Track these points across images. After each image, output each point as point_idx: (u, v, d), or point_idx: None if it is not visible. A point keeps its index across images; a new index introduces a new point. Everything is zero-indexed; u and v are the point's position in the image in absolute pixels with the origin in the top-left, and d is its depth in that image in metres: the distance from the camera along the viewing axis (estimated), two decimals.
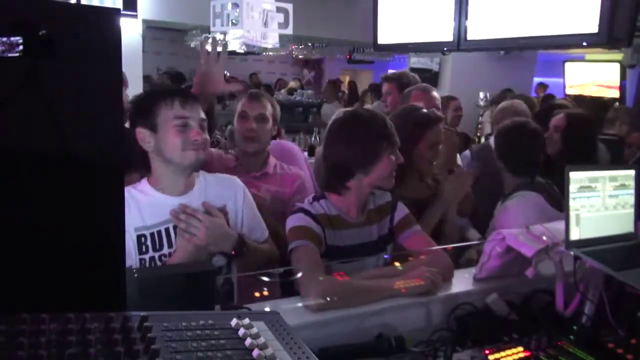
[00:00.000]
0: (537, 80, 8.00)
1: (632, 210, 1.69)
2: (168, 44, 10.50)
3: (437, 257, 1.75)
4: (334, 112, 8.78)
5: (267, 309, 1.36)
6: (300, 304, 1.49)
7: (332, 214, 1.75)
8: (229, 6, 3.70)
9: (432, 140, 2.16)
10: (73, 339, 0.73)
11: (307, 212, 1.72)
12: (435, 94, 2.94)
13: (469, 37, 2.86)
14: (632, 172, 1.70)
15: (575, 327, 1.49)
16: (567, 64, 7.74)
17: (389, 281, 1.59)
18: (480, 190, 2.44)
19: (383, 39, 3.45)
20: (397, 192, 1.93)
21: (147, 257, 1.63)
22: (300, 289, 1.55)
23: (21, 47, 0.77)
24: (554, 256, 1.60)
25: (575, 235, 1.55)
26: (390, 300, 1.56)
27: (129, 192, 1.64)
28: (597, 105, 5.47)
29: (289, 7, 3.71)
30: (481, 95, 5.41)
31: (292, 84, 10.85)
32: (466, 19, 2.84)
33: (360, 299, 1.53)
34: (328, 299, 1.47)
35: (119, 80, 0.89)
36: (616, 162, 3.12)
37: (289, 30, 3.75)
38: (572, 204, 1.54)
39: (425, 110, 2.21)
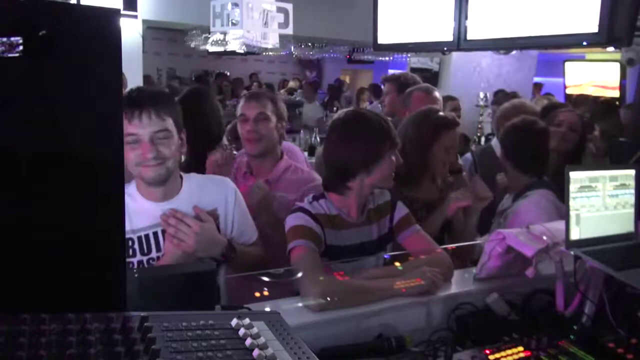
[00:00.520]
0: (536, 80, 8.01)
1: (632, 210, 1.69)
2: (168, 44, 10.52)
3: (437, 257, 1.76)
4: (313, 112, 8.76)
5: (267, 309, 1.37)
6: (300, 304, 1.49)
7: (332, 214, 1.76)
8: (229, 6, 3.71)
9: (448, 143, 2.19)
10: (73, 339, 0.73)
11: (306, 212, 1.72)
12: (437, 94, 2.95)
13: (469, 37, 2.86)
14: (632, 172, 1.70)
15: (575, 327, 1.49)
16: (567, 64, 7.74)
17: (389, 281, 1.60)
18: None
19: (383, 39, 3.45)
20: (409, 191, 1.93)
21: (134, 260, 1.62)
22: (300, 288, 1.55)
23: (21, 47, 0.77)
24: (554, 256, 1.60)
25: (575, 235, 1.55)
26: (390, 300, 1.56)
27: None
28: (598, 105, 5.46)
29: (289, 7, 3.71)
30: (481, 95, 5.42)
31: (292, 83, 10.86)
32: (466, 18, 2.84)
33: (360, 299, 1.53)
34: (328, 299, 1.47)
35: (119, 81, 0.89)
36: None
37: (289, 30, 3.75)
38: (572, 203, 1.55)
39: (442, 114, 2.23)
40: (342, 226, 1.76)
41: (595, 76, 7.40)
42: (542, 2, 2.52)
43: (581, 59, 8.23)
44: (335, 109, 9.17)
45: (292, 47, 7.77)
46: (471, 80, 5.95)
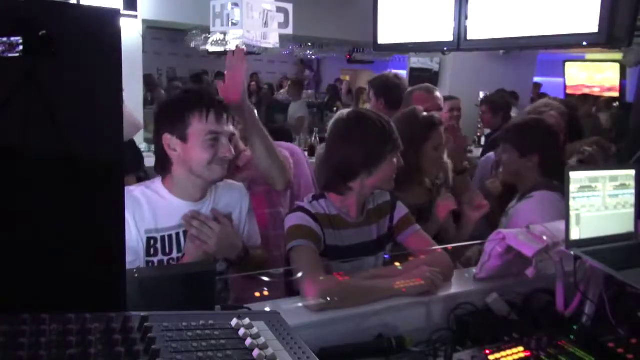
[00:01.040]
0: (536, 80, 8.01)
1: (632, 210, 1.69)
2: (168, 44, 10.52)
3: (437, 257, 1.75)
4: (298, 110, 8.68)
5: (267, 309, 1.37)
6: (300, 304, 1.49)
7: (332, 214, 1.75)
8: (229, 6, 3.71)
9: (437, 141, 2.18)
10: (73, 340, 0.73)
11: (306, 212, 1.72)
12: (438, 94, 2.94)
13: (469, 37, 2.86)
14: (632, 172, 1.70)
15: (575, 327, 1.49)
16: (567, 64, 7.75)
17: (389, 281, 1.59)
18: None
19: (383, 39, 3.45)
20: (400, 195, 1.93)
21: (155, 260, 1.63)
22: (300, 288, 1.55)
23: (21, 47, 0.77)
24: (554, 256, 1.60)
25: (575, 235, 1.55)
26: (390, 300, 1.56)
27: (142, 191, 1.64)
28: (600, 100, 5.50)
29: (289, 7, 3.71)
30: (481, 95, 5.42)
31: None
32: (466, 19, 2.84)
33: (360, 299, 1.53)
34: (328, 299, 1.47)
35: (119, 81, 0.89)
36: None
37: (289, 30, 3.75)
38: (572, 203, 1.55)
39: (426, 113, 2.22)
40: (342, 226, 1.76)
41: (595, 76, 7.41)
42: (542, 2, 2.53)
43: (581, 59, 8.23)
44: (335, 109, 9.17)
45: (292, 47, 7.78)
46: (471, 80, 5.95)
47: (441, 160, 2.26)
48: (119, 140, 0.89)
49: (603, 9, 2.27)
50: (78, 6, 0.91)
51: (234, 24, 3.74)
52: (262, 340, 0.83)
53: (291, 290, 1.68)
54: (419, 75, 6.32)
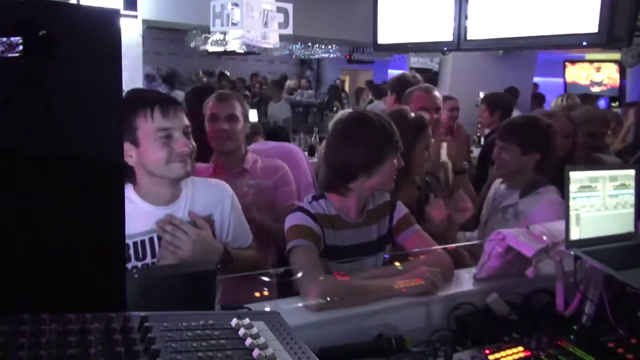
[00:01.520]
0: (536, 80, 8.02)
1: (632, 210, 1.69)
2: (168, 44, 10.52)
3: (437, 256, 1.75)
4: (279, 110, 8.72)
5: (267, 309, 1.36)
6: (300, 304, 1.49)
7: (332, 214, 1.75)
8: (229, 6, 3.71)
9: (427, 142, 2.19)
10: (73, 340, 0.73)
11: (306, 212, 1.72)
12: (436, 94, 2.95)
13: (469, 37, 2.87)
14: (632, 172, 1.70)
15: (575, 327, 1.49)
16: (567, 64, 7.76)
17: (389, 281, 1.59)
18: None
19: (383, 39, 3.45)
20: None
21: (129, 265, 1.58)
22: (299, 288, 1.55)
23: (21, 47, 0.77)
24: (554, 256, 1.60)
25: (575, 235, 1.55)
26: (390, 300, 1.56)
27: None
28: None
29: (289, 7, 3.71)
30: (481, 95, 5.41)
31: (289, 82, 10.82)
32: (466, 19, 2.85)
33: (360, 299, 1.53)
34: (328, 298, 1.47)
35: (119, 81, 0.89)
36: None
37: (289, 30, 3.75)
38: (572, 203, 1.54)
39: (413, 114, 2.21)
40: (342, 227, 1.76)
41: (595, 76, 7.41)
42: (542, 2, 2.53)
43: (581, 59, 8.23)
44: (335, 109, 9.17)
45: (293, 47, 7.78)
46: (471, 80, 5.95)
47: (428, 160, 2.25)
48: (119, 140, 0.89)
49: (603, 9, 2.27)
50: (78, 6, 0.91)
51: (234, 24, 3.74)
52: (262, 340, 0.83)
53: (285, 290, 1.67)
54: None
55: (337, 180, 1.76)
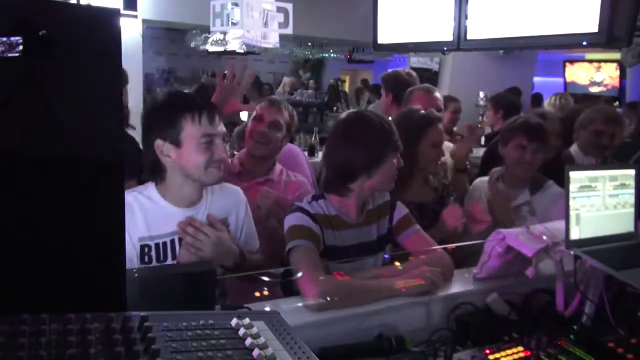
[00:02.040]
0: (536, 80, 8.02)
1: (632, 210, 1.69)
2: (168, 44, 10.51)
3: (437, 256, 1.75)
4: None
5: (267, 309, 1.37)
6: (300, 304, 1.49)
7: (331, 214, 1.75)
8: (229, 6, 3.70)
9: (434, 139, 2.18)
10: (73, 339, 0.73)
11: (305, 212, 1.72)
12: (437, 94, 2.95)
13: (469, 37, 2.87)
14: (632, 172, 1.70)
15: (575, 327, 1.49)
16: (567, 64, 7.76)
17: (389, 281, 1.59)
18: None
19: (383, 38, 3.45)
20: (400, 196, 1.93)
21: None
22: (299, 288, 1.55)
23: (21, 47, 0.77)
24: (554, 256, 1.60)
25: (575, 234, 1.55)
26: (390, 300, 1.56)
27: (135, 196, 1.61)
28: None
29: (289, 7, 3.71)
30: (481, 95, 5.41)
31: (286, 79, 10.77)
32: (466, 18, 2.85)
33: (360, 299, 1.53)
34: (328, 298, 1.47)
35: (119, 81, 0.89)
36: None
37: (289, 30, 3.74)
38: (572, 203, 1.55)
39: (423, 111, 2.23)
40: (341, 227, 1.76)
41: (595, 76, 7.41)
42: (542, 2, 2.53)
43: (581, 59, 8.23)
44: (335, 109, 9.17)
45: (292, 47, 7.78)
46: (471, 80, 5.94)
47: (440, 157, 2.26)
48: (119, 140, 0.89)
49: (603, 8, 2.27)
50: (78, 6, 0.91)
51: (233, 24, 3.73)
52: (262, 340, 0.83)
53: (288, 290, 1.67)
54: (419, 75, 6.31)
55: (337, 181, 1.76)
